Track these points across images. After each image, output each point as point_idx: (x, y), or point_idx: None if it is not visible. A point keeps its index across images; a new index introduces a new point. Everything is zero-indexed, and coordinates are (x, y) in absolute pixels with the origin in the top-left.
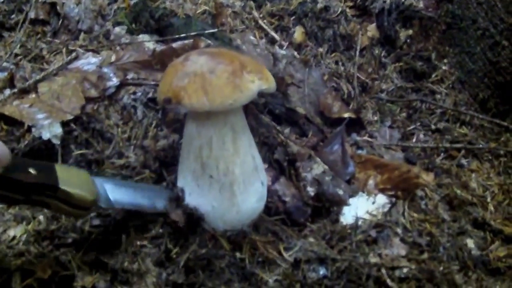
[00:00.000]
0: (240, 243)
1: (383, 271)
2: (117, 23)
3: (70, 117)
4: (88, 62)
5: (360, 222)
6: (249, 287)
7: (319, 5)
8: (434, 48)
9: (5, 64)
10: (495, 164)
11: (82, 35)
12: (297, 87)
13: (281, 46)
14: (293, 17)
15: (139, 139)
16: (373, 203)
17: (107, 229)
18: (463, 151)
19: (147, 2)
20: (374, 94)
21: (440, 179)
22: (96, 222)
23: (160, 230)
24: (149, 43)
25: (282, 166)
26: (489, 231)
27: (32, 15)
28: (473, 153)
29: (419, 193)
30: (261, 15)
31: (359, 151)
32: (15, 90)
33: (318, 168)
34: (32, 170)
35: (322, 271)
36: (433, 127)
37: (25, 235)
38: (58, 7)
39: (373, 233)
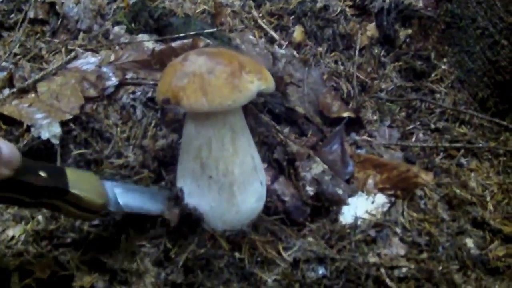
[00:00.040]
0: (239, 243)
1: (382, 270)
2: (116, 23)
3: (69, 116)
4: (87, 61)
5: (359, 222)
6: (248, 287)
7: (319, 4)
8: (434, 48)
9: (4, 63)
10: (495, 164)
11: (81, 35)
12: (296, 87)
13: (280, 46)
14: (293, 17)
15: (138, 138)
16: (372, 202)
17: (106, 229)
18: (462, 151)
19: (146, 2)
20: (373, 93)
21: (439, 179)
22: (95, 222)
23: (159, 230)
24: (148, 42)
25: (281, 165)
26: (488, 231)
27: (31, 14)
28: (472, 152)
29: (418, 192)
30: (260, 15)
31: (359, 151)
32: (14, 89)
33: (317, 167)
34: (42, 173)
35: (321, 271)
36: (432, 126)
37: (24, 235)
38: (57, 7)
39: (372, 232)
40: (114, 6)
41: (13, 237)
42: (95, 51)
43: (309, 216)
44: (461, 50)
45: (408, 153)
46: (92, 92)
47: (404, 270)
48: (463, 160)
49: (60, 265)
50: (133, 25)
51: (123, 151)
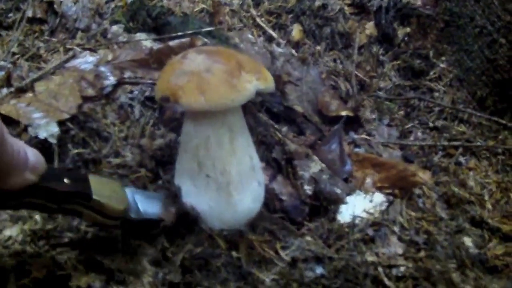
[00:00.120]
0: (236, 242)
1: (380, 269)
2: (115, 22)
3: (67, 116)
4: (85, 61)
5: (357, 221)
6: (245, 286)
7: (317, 3)
8: (432, 46)
9: (2, 63)
10: (493, 162)
11: (79, 34)
12: (294, 85)
13: (278, 44)
14: (291, 15)
15: (136, 138)
16: (371, 201)
17: (103, 229)
18: (461, 149)
19: (144, 1)
20: (372, 92)
21: (437, 177)
22: None
23: (157, 230)
24: (146, 41)
25: (279, 164)
26: (486, 229)
27: (29, 13)
28: (471, 151)
29: (417, 191)
30: (259, 13)
31: (357, 149)
32: (12, 89)
33: (315, 166)
34: (66, 180)
35: (319, 270)
36: (431, 125)
37: (21, 235)
38: (55, 6)
39: (370, 231)
40: (112, 5)
41: (10, 237)
42: (93, 50)
43: (307, 215)
44: (460, 48)
45: (407, 152)
46: (90, 92)
47: (402, 269)
48: (461, 159)
49: (57, 265)
50: (131, 24)
51: (121, 150)
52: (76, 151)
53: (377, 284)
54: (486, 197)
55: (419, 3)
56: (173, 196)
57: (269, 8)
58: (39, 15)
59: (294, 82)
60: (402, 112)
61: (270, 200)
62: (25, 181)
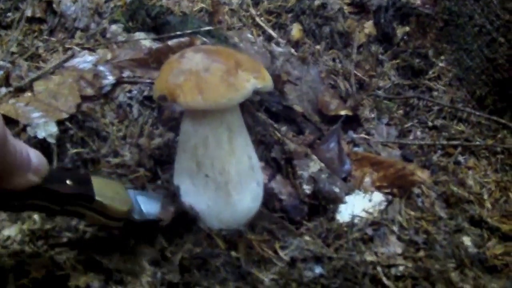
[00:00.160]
0: (235, 242)
1: (379, 269)
2: (114, 21)
3: (65, 116)
4: (84, 60)
5: (356, 220)
6: (244, 286)
7: (317, 2)
8: (432, 45)
9: (1, 62)
10: (492, 161)
11: (78, 33)
12: (294, 85)
13: (278, 44)
14: (291, 15)
15: (135, 137)
16: (370, 200)
17: (105, 230)
18: (460, 148)
19: (143, 0)
20: (371, 91)
21: (437, 177)
22: None
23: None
24: (145, 41)
25: (279, 164)
26: (486, 229)
27: (28, 13)
28: (470, 150)
29: (416, 190)
30: (258, 13)
31: (356, 149)
32: (11, 88)
33: (314, 166)
34: (68, 181)
35: (318, 270)
36: (430, 124)
37: (20, 235)
38: (54, 5)
39: (369, 231)
40: (112, 4)
41: (9, 237)
42: (92, 50)
43: (307, 215)
44: (459, 47)
45: (406, 151)
46: (89, 91)
47: (401, 268)
48: (460, 158)
49: (56, 264)
50: (130, 23)
51: (119, 150)
52: (74, 150)
53: (376, 283)
54: (485, 196)
55: (418, 2)
56: (171, 195)
57: (269, 8)
58: (38, 15)
59: (293, 82)
60: (401, 111)
61: (269, 199)
62: (28, 182)
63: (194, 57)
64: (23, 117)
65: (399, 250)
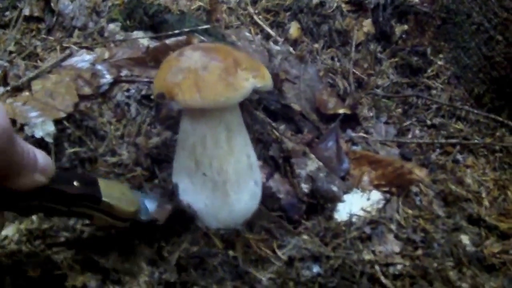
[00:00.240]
0: (233, 241)
1: (377, 268)
2: (111, 20)
3: (63, 115)
4: (82, 59)
5: (354, 219)
6: (242, 285)
7: (315, 1)
8: (430, 43)
9: None
10: (491, 160)
11: (76, 32)
12: (292, 83)
13: (276, 42)
14: (289, 13)
15: (132, 136)
16: (368, 199)
17: (99, 228)
18: (458, 147)
19: None
20: (369, 89)
21: (435, 175)
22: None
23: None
24: (143, 40)
25: (277, 162)
26: (484, 227)
27: (26, 12)
28: (468, 148)
29: (414, 189)
30: (256, 11)
31: (354, 147)
32: (9, 88)
33: (312, 164)
34: (75, 183)
35: (316, 269)
36: (428, 122)
37: (17, 235)
38: (52, 4)
39: (367, 229)
40: (109, 3)
41: (6, 237)
42: (90, 49)
43: (304, 214)
44: (457, 45)
45: (405, 149)
46: (86, 90)
47: (399, 267)
48: (459, 156)
49: (53, 264)
50: (128, 22)
51: (117, 149)
52: (72, 150)
53: (374, 282)
54: (484, 195)
55: (416, 0)
56: (169, 194)
57: (267, 6)
58: (36, 14)
59: (291, 80)
60: (399, 110)
61: (267, 198)
62: (35, 182)
63: (193, 55)
64: (20, 116)
65: (397, 249)
